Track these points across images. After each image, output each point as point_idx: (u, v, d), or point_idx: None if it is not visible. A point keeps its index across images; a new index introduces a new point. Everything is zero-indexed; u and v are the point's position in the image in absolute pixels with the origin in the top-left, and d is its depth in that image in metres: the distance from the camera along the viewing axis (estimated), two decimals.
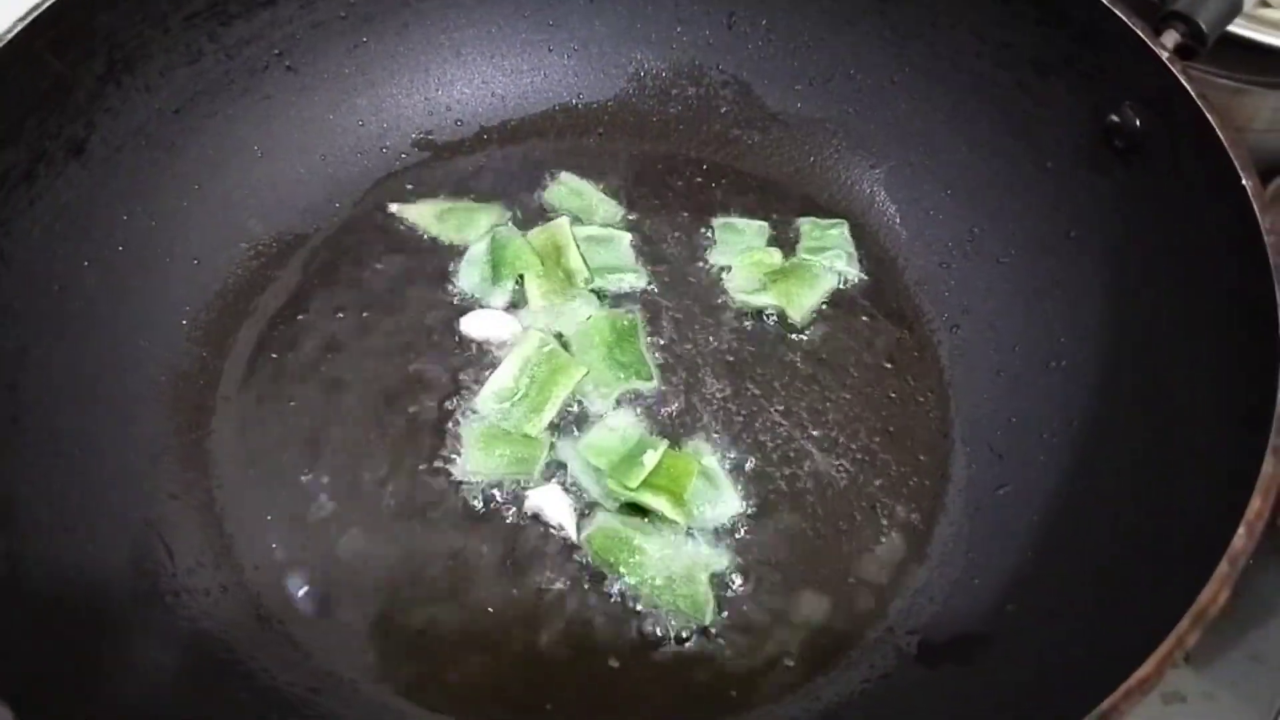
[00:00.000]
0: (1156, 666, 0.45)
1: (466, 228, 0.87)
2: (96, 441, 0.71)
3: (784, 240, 0.87)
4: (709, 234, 0.88)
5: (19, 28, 0.69)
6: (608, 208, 0.89)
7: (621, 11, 0.94)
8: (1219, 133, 0.64)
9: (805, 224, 0.88)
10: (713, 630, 0.68)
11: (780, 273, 0.84)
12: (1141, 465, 0.64)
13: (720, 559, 0.70)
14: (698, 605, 0.68)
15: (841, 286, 0.85)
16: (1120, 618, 0.55)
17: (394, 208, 0.88)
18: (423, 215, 0.88)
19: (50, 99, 0.72)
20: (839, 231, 0.88)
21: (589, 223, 0.88)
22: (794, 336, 0.82)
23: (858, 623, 0.69)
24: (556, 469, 0.74)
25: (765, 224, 0.88)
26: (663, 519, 0.70)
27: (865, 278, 0.86)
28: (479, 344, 0.81)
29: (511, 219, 0.88)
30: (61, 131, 0.73)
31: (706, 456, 0.74)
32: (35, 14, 0.70)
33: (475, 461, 0.74)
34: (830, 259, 0.86)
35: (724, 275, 0.85)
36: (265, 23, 0.85)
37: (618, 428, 0.75)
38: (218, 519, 0.72)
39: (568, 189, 0.90)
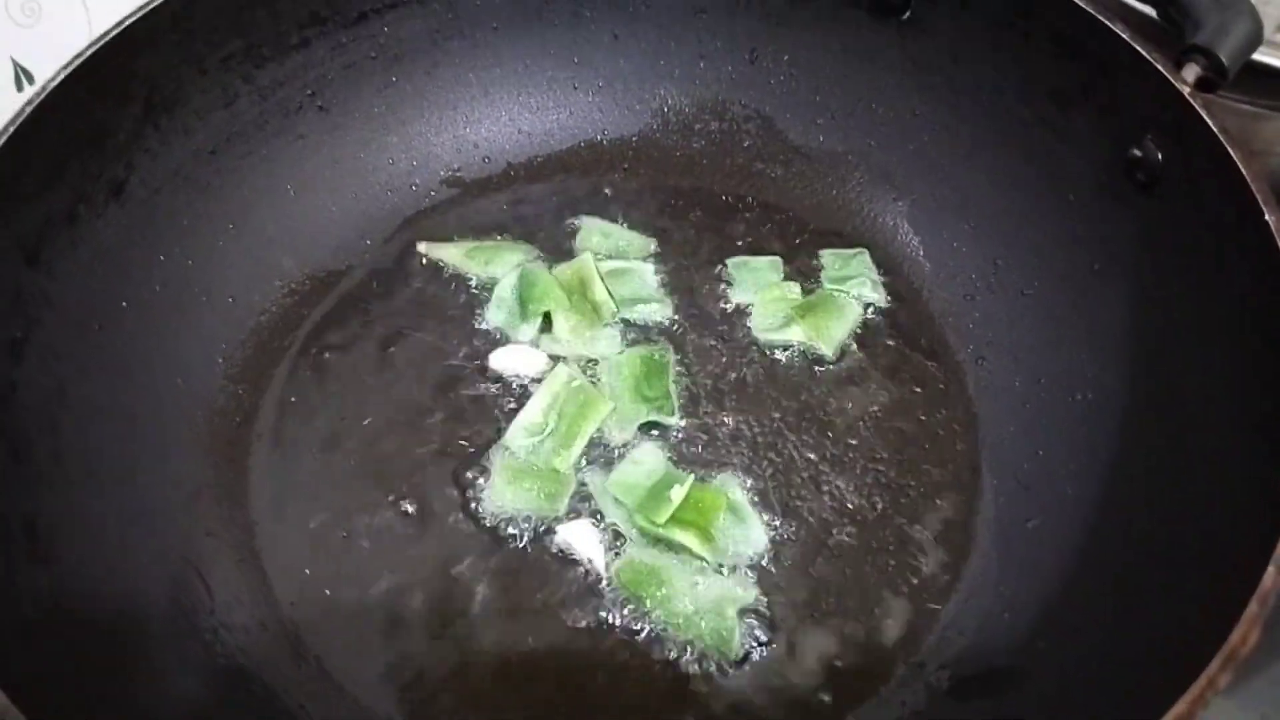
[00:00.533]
0: (1187, 708, 0.45)
1: (494, 264, 0.89)
2: (135, 478, 0.72)
3: (806, 271, 0.88)
4: (727, 272, 0.88)
5: (61, 75, 0.71)
6: (639, 243, 0.91)
7: (645, 48, 0.96)
8: (1241, 168, 0.64)
9: (827, 255, 0.89)
10: (744, 666, 0.68)
11: (807, 306, 0.85)
12: (1170, 499, 0.64)
13: (748, 593, 0.71)
14: (725, 640, 0.68)
15: (869, 316, 0.86)
16: (1150, 655, 0.55)
17: (423, 247, 0.90)
18: (451, 255, 0.89)
19: (91, 142, 0.74)
20: (861, 259, 0.88)
21: (621, 257, 0.89)
22: (818, 370, 0.83)
23: (888, 658, 0.69)
24: (582, 502, 0.75)
25: (778, 258, 0.89)
26: (687, 553, 0.71)
27: (890, 306, 0.86)
28: (508, 379, 0.82)
29: (539, 255, 0.89)
30: (102, 173, 0.75)
31: (734, 490, 0.75)
32: (80, 60, 0.72)
33: (502, 496, 0.75)
34: (855, 287, 0.87)
35: (748, 312, 0.86)
36: (298, 64, 0.87)
37: (643, 462, 0.76)
38: (255, 555, 0.73)
39: (597, 233, 0.91)
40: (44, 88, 0.70)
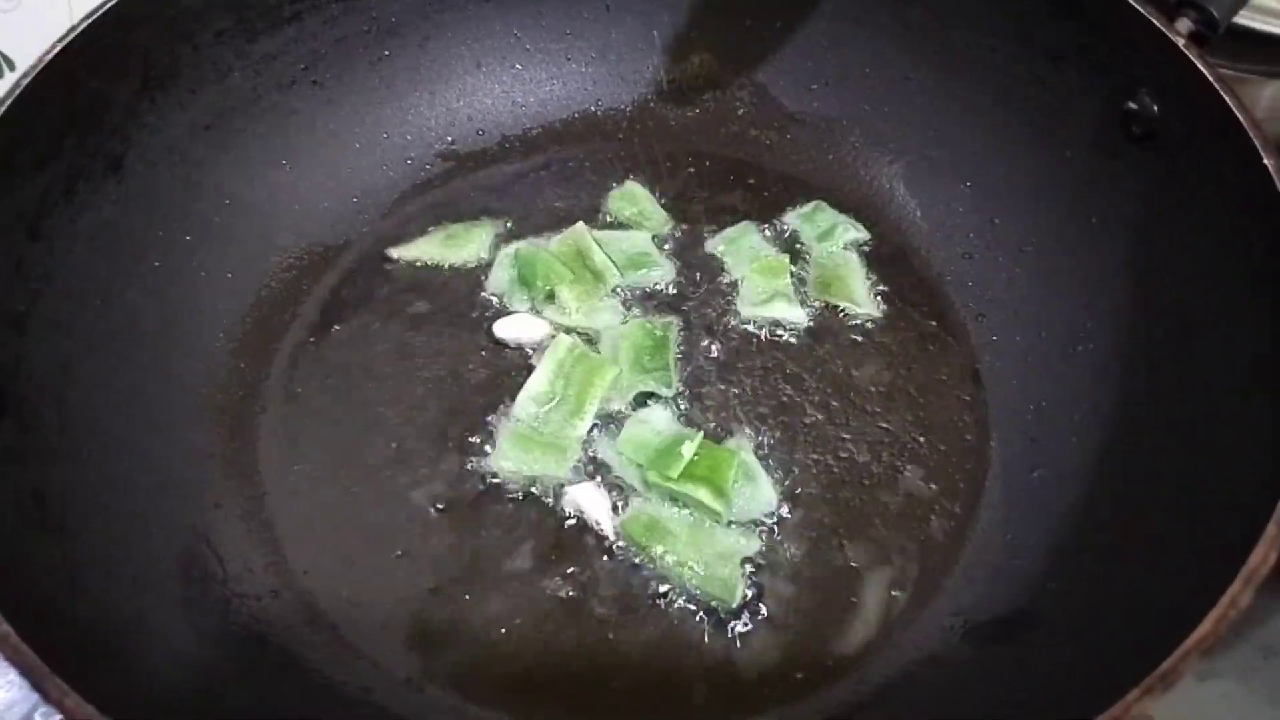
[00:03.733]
0: (1213, 627, 0.46)
1: (467, 246, 0.88)
2: (142, 451, 0.72)
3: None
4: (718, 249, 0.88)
5: (57, 49, 0.71)
6: (660, 216, 0.91)
7: (638, 18, 0.96)
8: (1238, 114, 0.65)
9: (791, 218, 0.90)
10: (753, 616, 0.69)
11: (824, 277, 0.86)
12: (1175, 440, 0.65)
13: (753, 543, 0.71)
14: (729, 588, 0.69)
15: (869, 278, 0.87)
16: (1165, 588, 0.56)
17: (394, 253, 0.88)
18: (423, 250, 0.88)
19: (88, 117, 0.74)
20: (821, 208, 0.90)
21: (640, 228, 0.89)
22: (820, 333, 0.83)
23: (899, 606, 0.69)
24: (589, 464, 0.75)
25: (750, 223, 0.89)
26: (700, 507, 0.71)
27: (890, 268, 0.87)
28: (513, 347, 0.82)
29: (508, 230, 0.89)
30: (100, 148, 0.74)
31: (744, 449, 0.75)
32: (72, 35, 0.71)
33: (511, 458, 0.75)
34: (839, 236, 0.88)
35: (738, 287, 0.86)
36: (290, 38, 0.86)
37: (650, 421, 0.77)
38: (266, 525, 0.73)
39: (625, 197, 0.92)
40: (40, 61, 0.70)
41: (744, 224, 0.89)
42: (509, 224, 0.90)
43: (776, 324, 0.83)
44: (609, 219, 0.90)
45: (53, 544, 0.62)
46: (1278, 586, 0.74)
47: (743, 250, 0.88)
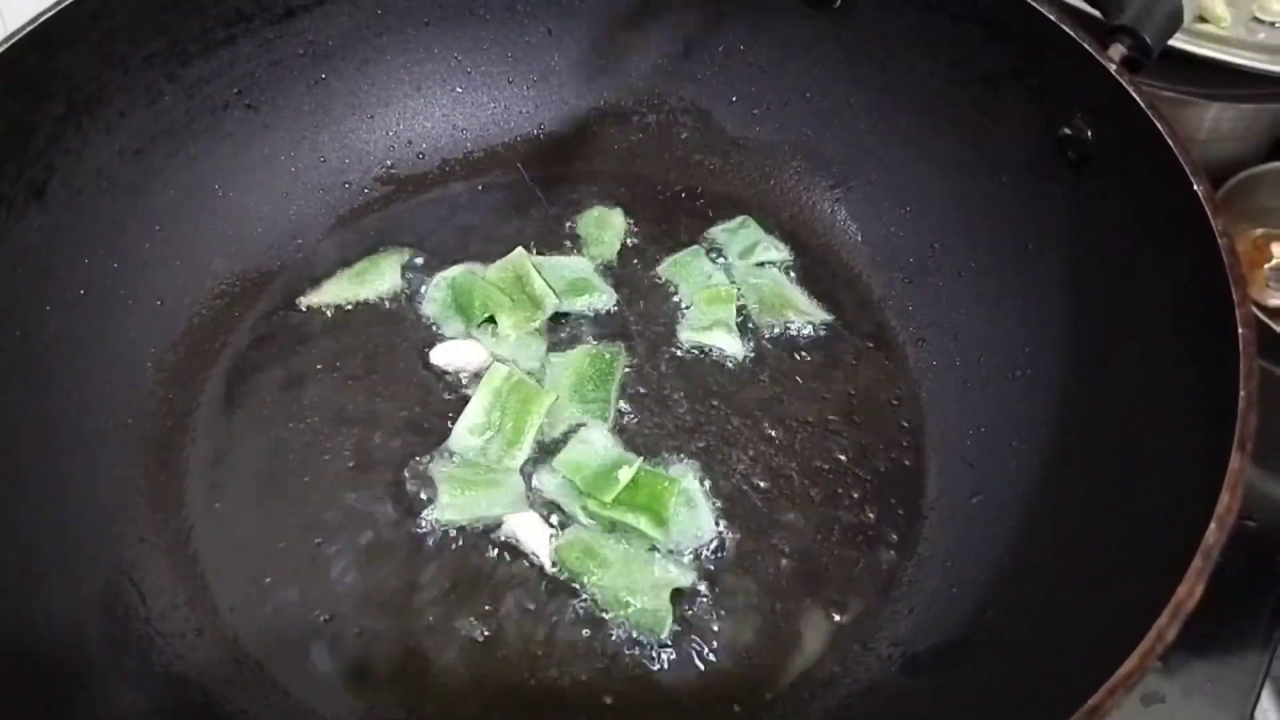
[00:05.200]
0: (1139, 662, 0.45)
1: (372, 280, 0.86)
2: (63, 485, 0.70)
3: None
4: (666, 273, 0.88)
5: None
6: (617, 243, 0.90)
7: (580, 43, 0.96)
8: (1169, 140, 0.65)
9: (717, 233, 0.90)
10: (680, 649, 0.68)
11: (765, 299, 0.86)
12: (1111, 467, 0.65)
13: (685, 576, 0.70)
14: (658, 620, 0.68)
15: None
16: (1099, 617, 0.55)
17: (302, 302, 0.86)
18: (332, 294, 0.86)
19: (9, 142, 0.72)
20: (747, 225, 0.90)
21: (595, 257, 0.89)
22: (761, 360, 0.82)
23: (838, 637, 0.69)
24: (529, 494, 0.74)
25: (699, 248, 0.89)
26: (638, 535, 0.70)
27: (829, 292, 0.87)
28: (448, 375, 0.80)
29: (417, 256, 0.88)
30: (21, 174, 0.72)
31: (686, 478, 0.74)
32: None
33: (452, 509, 0.73)
34: (760, 254, 0.88)
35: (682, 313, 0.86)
36: (224, 62, 0.85)
37: (591, 442, 0.76)
38: (191, 561, 0.71)
39: (594, 219, 0.91)
40: None
41: (694, 249, 0.89)
42: (416, 256, 0.88)
43: (709, 351, 0.83)
44: (565, 241, 0.90)
45: None
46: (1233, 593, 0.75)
47: (692, 276, 0.87)
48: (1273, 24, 0.98)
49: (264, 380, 0.81)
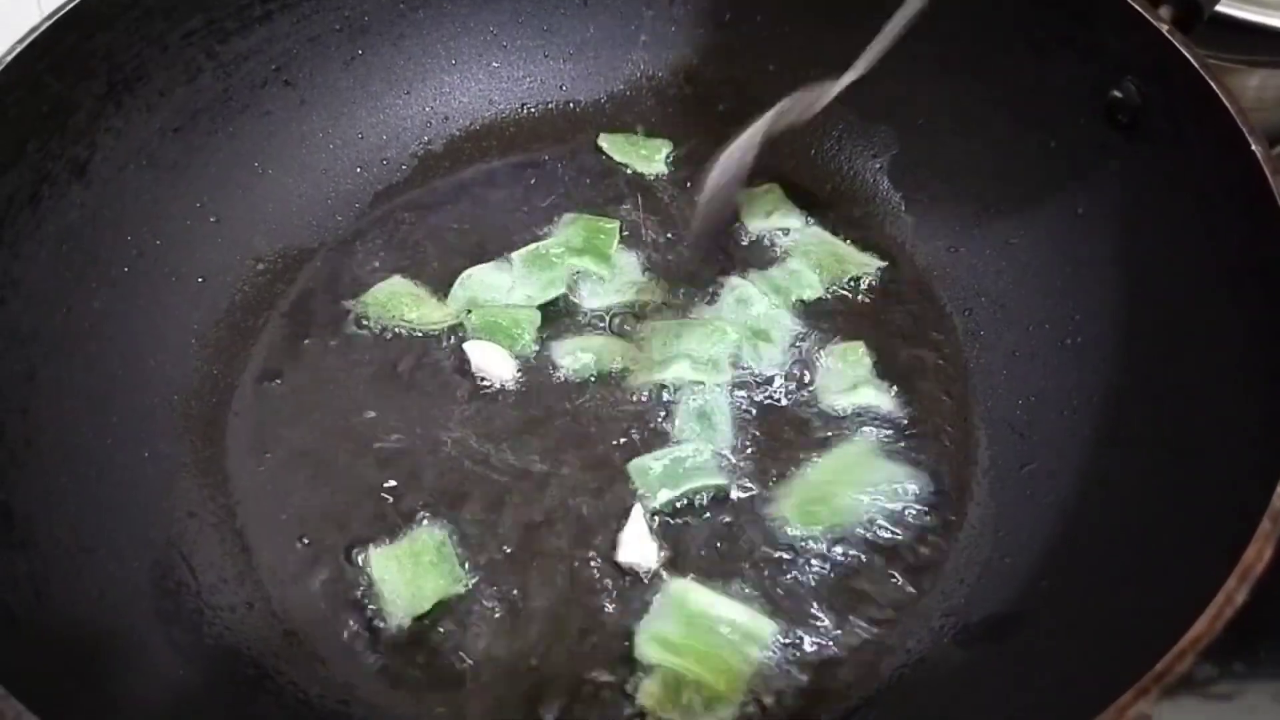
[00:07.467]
0: (1209, 624, 0.44)
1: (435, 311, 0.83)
2: (112, 462, 0.70)
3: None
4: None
5: (18, 50, 0.69)
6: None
7: (616, 14, 0.95)
8: (1225, 101, 0.64)
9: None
10: None
11: (820, 261, 0.86)
12: (1168, 434, 0.64)
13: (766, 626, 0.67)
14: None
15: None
16: (1162, 584, 0.54)
17: (349, 304, 0.84)
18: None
19: (51, 121, 0.72)
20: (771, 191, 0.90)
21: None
22: (810, 329, 0.81)
23: (891, 608, 0.68)
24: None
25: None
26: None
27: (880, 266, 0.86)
28: (477, 374, 0.80)
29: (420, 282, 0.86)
30: (64, 153, 0.72)
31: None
32: (33, 36, 0.69)
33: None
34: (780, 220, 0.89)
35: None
36: (262, 38, 0.85)
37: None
38: (238, 535, 0.72)
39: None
40: None
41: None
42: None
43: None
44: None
45: (18, 558, 0.60)
46: None
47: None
48: None
49: (304, 357, 0.81)
